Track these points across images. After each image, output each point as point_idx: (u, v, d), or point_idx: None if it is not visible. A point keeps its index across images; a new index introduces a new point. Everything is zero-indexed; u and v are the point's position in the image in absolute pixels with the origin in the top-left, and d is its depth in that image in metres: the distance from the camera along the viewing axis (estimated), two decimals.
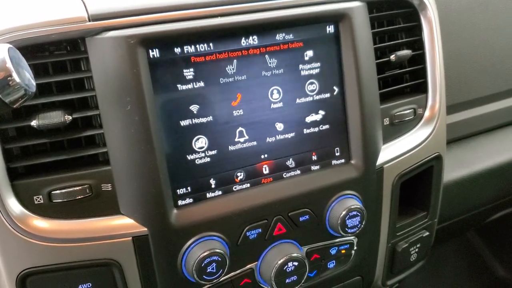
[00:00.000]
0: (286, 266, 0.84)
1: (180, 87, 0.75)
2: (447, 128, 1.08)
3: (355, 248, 0.96)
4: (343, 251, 0.95)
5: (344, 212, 0.87)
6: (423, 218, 1.10)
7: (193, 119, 0.77)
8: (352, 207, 0.88)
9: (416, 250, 1.10)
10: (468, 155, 1.27)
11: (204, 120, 0.78)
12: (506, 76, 1.29)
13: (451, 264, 2.25)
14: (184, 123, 0.76)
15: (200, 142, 0.78)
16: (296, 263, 0.85)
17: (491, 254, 2.22)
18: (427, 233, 1.11)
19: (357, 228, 0.89)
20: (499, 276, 2.19)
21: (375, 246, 1.03)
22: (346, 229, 0.88)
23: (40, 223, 0.72)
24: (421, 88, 1.02)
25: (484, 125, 1.30)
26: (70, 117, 0.71)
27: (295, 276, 0.86)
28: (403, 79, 1.02)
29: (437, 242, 2.18)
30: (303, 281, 0.87)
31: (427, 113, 1.01)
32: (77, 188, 0.72)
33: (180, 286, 0.81)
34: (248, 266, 0.86)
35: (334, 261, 0.96)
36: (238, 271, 0.85)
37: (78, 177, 0.73)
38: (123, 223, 0.75)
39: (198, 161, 0.79)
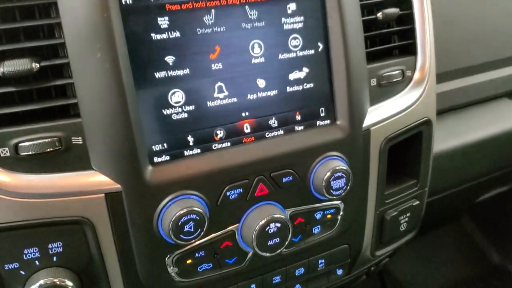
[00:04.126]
0: (268, 227, 0.81)
1: (154, 36, 0.72)
2: (438, 97, 1.05)
3: (341, 213, 0.93)
4: (328, 216, 0.92)
5: (328, 173, 0.84)
6: (413, 186, 1.07)
7: (168, 71, 0.73)
8: (337, 168, 0.84)
9: (406, 219, 1.07)
10: (459, 126, 1.25)
11: (180, 72, 0.74)
12: (498, 45, 1.26)
13: (446, 251, 2.24)
14: (159, 75, 0.73)
15: (177, 96, 0.75)
16: (278, 225, 0.82)
17: (487, 241, 2.20)
18: (417, 202, 1.08)
19: (342, 191, 0.86)
20: (494, 262, 2.17)
21: (363, 213, 1.00)
22: (331, 191, 0.85)
23: (6, 177, 0.68)
24: (410, 50, 0.99)
25: (476, 96, 1.27)
26: (38, 65, 0.67)
27: (278, 239, 0.83)
28: (391, 40, 0.98)
29: (432, 227, 2.17)
30: (286, 243, 0.84)
31: (416, 75, 0.98)
32: (46, 140, 0.69)
33: (157, 246, 0.77)
34: (229, 228, 0.83)
35: (319, 226, 0.93)
36: (218, 233, 0.82)
37: (46, 129, 0.69)
38: (95, 179, 0.72)
39: (174, 117, 0.75)
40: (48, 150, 0.69)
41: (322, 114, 0.87)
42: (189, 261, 0.82)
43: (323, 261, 0.98)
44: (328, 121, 0.88)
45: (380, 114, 0.94)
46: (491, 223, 2.15)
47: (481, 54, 1.24)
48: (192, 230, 0.75)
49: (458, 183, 1.31)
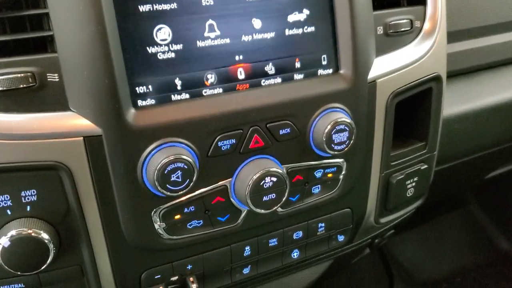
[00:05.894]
0: (263, 181, 0.75)
1: None
2: (448, 58, 0.98)
3: (343, 172, 0.86)
4: (329, 175, 0.86)
5: (329, 126, 0.77)
6: (421, 149, 1.00)
7: (154, 5, 0.67)
8: (339, 120, 0.78)
9: (413, 184, 1.00)
10: (471, 90, 1.17)
11: (167, 7, 0.67)
12: None
13: (453, 237, 2.19)
14: (143, 8, 0.66)
15: (163, 33, 0.68)
16: (274, 179, 0.75)
17: (494, 227, 2.15)
18: (426, 166, 1.01)
19: (345, 145, 0.79)
20: (502, 249, 2.12)
21: (367, 174, 0.93)
22: (333, 145, 0.79)
23: None
24: (419, 0, 0.92)
25: (488, 59, 1.20)
26: None
27: (274, 194, 0.76)
28: None
29: (438, 211, 2.11)
30: (283, 200, 0.77)
31: (426, 26, 0.91)
32: (18, 75, 0.62)
33: (142, 198, 0.71)
34: (221, 183, 0.77)
35: (319, 186, 0.86)
36: (209, 188, 0.76)
37: (19, 63, 0.63)
38: (72, 121, 0.66)
39: (160, 56, 0.69)
40: (21, 86, 0.63)
41: (324, 62, 0.80)
42: (177, 217, 0.75)
43: (323, 225, 0.92)
44: (330, 70, 0.81)
45: (387, 66, 0.87)
46: (499, 209, 2.10)
47: (495, 14, 1.17)
48: (180, 180, 0.68)
49: (468, 152, 1.23)
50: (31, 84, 0.63)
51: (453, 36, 1.11)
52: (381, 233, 1.13)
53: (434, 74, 0.94)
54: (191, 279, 0.83)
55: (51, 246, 0.68)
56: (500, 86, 1.20)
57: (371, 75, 0.84)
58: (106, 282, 0.78)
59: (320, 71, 0.80)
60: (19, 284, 0.72)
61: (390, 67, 0.87)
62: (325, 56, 0.80)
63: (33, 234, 0.66)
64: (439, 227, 2.19)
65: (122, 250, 0.76)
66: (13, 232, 0.65)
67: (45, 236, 0.67)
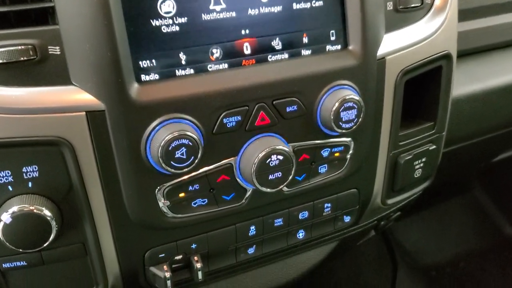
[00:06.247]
0: (269, 159, 0.73)
1: None
2: (458, 36, 0.96)
3: (350, 151, 0.85)
4: (336, 154, 0.84)
5: (337, 104, 0.75)
6: (430, 129, 0.98)
7: None
8: (348, 97, 0.76)
9: (421, 165, 0.99)
10: (481, 70, 1.15)
11: None
12: None
13: (458, 222, 2.18)
14: None
15: (167, 5, 0.66)
16: (281, 157, 0.74)
17: (499, 211, 2.13)
18: (434, 147, 0.99)
19: (353, 124, 0.77)
20: (506, 233, 2.11)
21: (374, 154, 0.91)
22: (340, 123, 0.77)
23: None
24: None
25: (500, 38, 1.17)
26: None
27: (280, 173, 0.75)
28: None
29: (443, 194, 2.10)
30: (289, 179, 0.76)
31: (437, 2, 0.88)
32: (19, 47, 0.61)
33: (146, 176, 0.70)
34: (226, 161, 0.75)
35: (326, 165, 0.84)
36: (214, 165, 0.74)
37: (19, 35, 0.61)
38: (74, 96, 0.64)
39: (165, 29, 0.67)
40: (22, 59, 0.61)
41: (332, 38, 0.78)
42: (182, 195, 0.74)
43: (329, 205, 0.91)
44: (338, 46, 0.78)
45: (396, 43, 0.84)
46: (504, 194, 2.08)
47: None
48: (184, 157, 0.67)
49: (477, 133, 1.21)
50: (31, 57, 0.62)
51: (464, 14, 1.08)
52: (387, 215, 1.12)
53: (445, 52, 0.91)
54: (196, 258, 0.82)
55: (53, 223, 0.67)
56: (511, 67, 1.17)
57: (381, 52, 0.82)
58: (109, 261, 0.77)
59: (328, 47, 0.78)
60: (22, 262, 0.71)
61: (399, 44, 0.84)
62: (333, 31, 0.78)
63: (35, 210, 0.65)
64: (443, 212, 2.18)
65: (125, 229, 0.75)
66: (14, 209, 0.64)
67: (47, 213, 0.66)
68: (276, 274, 1.06)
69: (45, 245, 0.68)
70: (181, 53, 0.69)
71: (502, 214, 2.14)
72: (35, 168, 0.66)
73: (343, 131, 0.78)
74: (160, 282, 0.80)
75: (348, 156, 0.85)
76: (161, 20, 0.66)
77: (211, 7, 0.69)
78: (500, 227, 2.15)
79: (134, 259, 0.79)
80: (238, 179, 0.77)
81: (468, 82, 1.12)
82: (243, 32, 0.72)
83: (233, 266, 0.90)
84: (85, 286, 0.80)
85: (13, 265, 0.71)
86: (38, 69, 0.63)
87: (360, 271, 2.02)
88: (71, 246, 0.74)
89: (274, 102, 0.74)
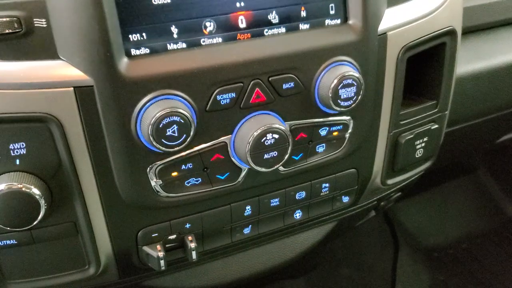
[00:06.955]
0: (265, 138, 0.71)
1: None
2: (463, 12, 0.92)
3: (349, 130, 0.82)
4: (335, 133, 0.82)
5: (336, 81, 0.73)
6: (432, 107, 0.95)
7: None
8: (347, 74, 0.73)
9: (423, 144, 0.96)
10: (486, 47, 1.11)
11: None
12: None
13: (460, 203, 2.16)
14: None
15: None
16: (276, 136, 0.72)
17: (502, 192, 2.12)
18: (436, 126, 0.96)
19: (352, 101, 0.75)
20: (509, 214, 2.10)
21: (374, 133, 0.89)
22: (339, 101, 0.74)
23: None
24: None
25: (507, 15, 1.13)
26: None
27: (275, 152, 0.73)
28: None
29: (446, 176, 2.08)
30: (285, 158, 0.74)
31: None
32: (3, 19, 0.58)
33: (136, 154, 0.68)
34: (221, 139, 0.73)
35: (324, 144, 0.82)
36: (208, 144, 0.72)
37: (3, 6, 0.59)
38: (62, 70, 0.62)
39: (155, 1, 0.64)
40: (6, 31, 0.59)
41: (332, 12, 0.75)
42: (174, 174, 0.72)
43: (327, 185, 0.89)
44: (338, 20, 0.75)
45: (399, 18, 0.81)
46: (507, 175, 2.06)
47: None
48: (176, 135, 0.65)
49: (481, 113, 1.18)
50: (16, 30, 0.59)
51: None
52: (387, 195, 1.10)
53: (449, 28, 0.88)
54: (190, 238, 0.80)
55: (42, 201, 0.65)
56: None
57: (382, 27, 0.79)
58: (101, 240, 0.76)
59: (328, 21, 0.75)
60: (12, 240, 0.70)
61: (402, 19, 0.81)
62: (333, 4, 0.75)
63: (23, 188, 0.64)
64: (445, 192, 2.17)
65: (117, 208, 0.73)
66: (2, 186, 0.63)
67: (35, 191, 0.64)
68: (273, 254, 1.05)
69: (34, 223, 0.66)
70: (173, 26, 0.66)
71: (505, 195, 2.12)
72: (23, 145, 0.64)
73: (342, 109, 0.75)
74: (153, 262, 0.79)
75: (347, 135, 0.83)
76: None
77: None
78: (503, 208, 2.14)
79: (126, 239, 0.77)
80: (232, 158, 0.75)
81: (472, 60, 1.08)
82: (238, 4, 0.69)
83: (229, 246, 0.89)
84: (77, 266, 0.79)
85: (3, 243, 0.70)
86: (23, 42, 0.60)
87: (361, 252, 2.02)
88: (62, 225, 0.72)
89: (270, 79, 0.72)
